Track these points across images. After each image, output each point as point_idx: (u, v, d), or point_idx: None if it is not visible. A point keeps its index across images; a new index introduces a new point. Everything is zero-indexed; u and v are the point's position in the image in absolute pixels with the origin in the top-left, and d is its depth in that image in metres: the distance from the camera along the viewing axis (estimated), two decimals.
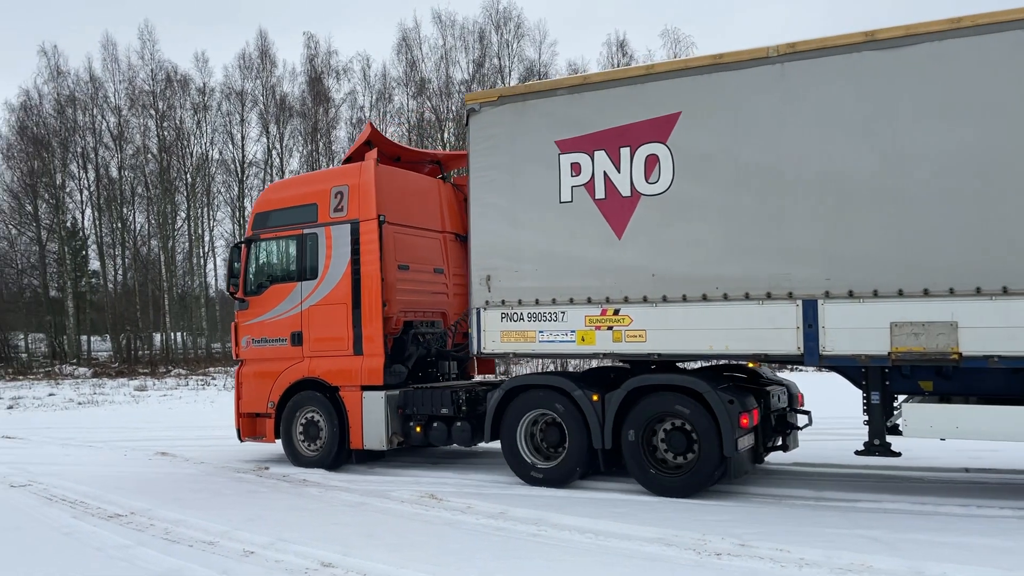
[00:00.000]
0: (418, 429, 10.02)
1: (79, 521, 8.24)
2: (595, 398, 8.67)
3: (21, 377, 36.25)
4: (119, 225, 46.93)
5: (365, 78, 47.29)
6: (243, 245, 11.39)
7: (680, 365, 8.96)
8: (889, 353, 7.44)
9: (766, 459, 9.81)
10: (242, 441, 11.60)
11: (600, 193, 8.66)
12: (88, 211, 47.81)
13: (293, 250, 10.95)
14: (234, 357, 11.78)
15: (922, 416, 7.58)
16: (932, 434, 7.55)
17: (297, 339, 10.83)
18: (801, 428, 9.41)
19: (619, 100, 8.65)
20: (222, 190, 48.47)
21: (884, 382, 7.98)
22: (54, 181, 46.16)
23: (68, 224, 47.44)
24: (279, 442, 11.07)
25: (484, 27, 45.64)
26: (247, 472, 10.71)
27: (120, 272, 48.25)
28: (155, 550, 6.97)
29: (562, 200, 8.86)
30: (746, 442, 8.17)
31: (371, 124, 11.00)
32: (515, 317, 9.17)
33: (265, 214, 11.34)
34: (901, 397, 8.17)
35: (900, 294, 7.40)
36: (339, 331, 10.44)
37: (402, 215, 10.72)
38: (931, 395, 7.94)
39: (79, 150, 46.67)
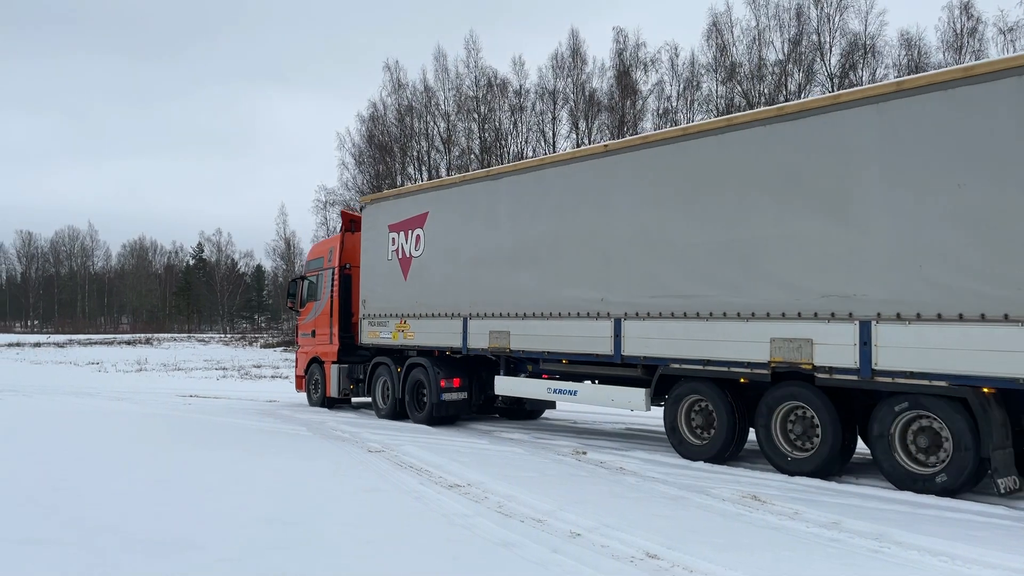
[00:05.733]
0: (352, 387, 19.74)
1: (425, 488, 9.88)
2: (399, 370, 17.80)
3: None
4: None
5: (673, 67, 53.69)
6: (300, 279, 22.01)
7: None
8: (488, 348, 15.69)
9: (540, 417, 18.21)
10: (297, 392, 22.37)
11: (400, 255, 17.63)
12: None
13: (315, 283, 21.19)
14: (296, 344, 22.75)
15: (499, 383, 15.72)
16: (504, 392, 15.78)
17: (313, 334, 21.07)
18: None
19: (410, 202, 17.56)
20: None
21: (510, 365, 16.07)
22: (395, 182, 61.01)
23: None
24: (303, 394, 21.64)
25: (801, 2, 49.04)
26: (566, 456, 12.79)
27: None
28: (491, 522, 8.05)
29: (387, 259, 17.98)
30: (451, 396, 16.65)
31: (344, 211, 21.17)
32: (373, 323, 18.55)
33: (309, 261, 21.91)
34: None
35: (493, 315, 15.59)
36: (326, 330, 20.46)
37: None
38: (530, 374, 16.07)
39: (415, 154, 61.58)
